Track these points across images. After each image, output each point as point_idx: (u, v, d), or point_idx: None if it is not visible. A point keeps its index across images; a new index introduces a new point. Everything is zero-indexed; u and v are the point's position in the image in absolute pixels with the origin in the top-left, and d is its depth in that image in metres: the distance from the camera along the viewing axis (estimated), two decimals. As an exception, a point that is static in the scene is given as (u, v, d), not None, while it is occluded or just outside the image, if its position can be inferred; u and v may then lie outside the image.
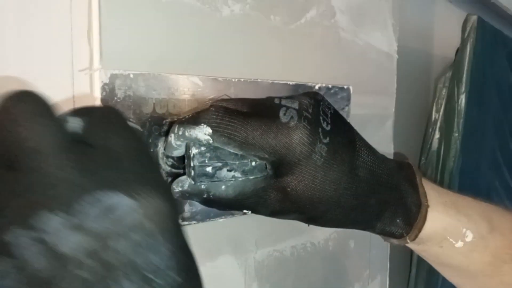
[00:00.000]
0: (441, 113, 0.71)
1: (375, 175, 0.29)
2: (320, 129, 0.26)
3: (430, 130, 0.72)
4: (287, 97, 0.28)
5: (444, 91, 0.72)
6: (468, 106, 0.70)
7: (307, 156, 0.26)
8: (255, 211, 0.29)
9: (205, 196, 0.27)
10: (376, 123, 0.56)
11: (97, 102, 0.27)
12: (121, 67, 0.28)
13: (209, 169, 0.27)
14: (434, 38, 0.81)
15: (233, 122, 0.25)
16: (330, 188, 0.27)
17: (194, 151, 0.26)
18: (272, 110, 0.27)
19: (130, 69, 0.29)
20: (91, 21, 0.27)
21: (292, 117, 0.26)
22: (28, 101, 0.17)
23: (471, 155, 0.73)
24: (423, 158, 0.74)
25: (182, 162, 0.28)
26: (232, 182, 0.27)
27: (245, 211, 0.29)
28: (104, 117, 0.19)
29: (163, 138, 0.29)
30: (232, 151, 0.27)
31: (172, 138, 0.27)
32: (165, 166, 0.29)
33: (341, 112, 0.32)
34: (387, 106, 0.57)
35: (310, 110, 0.27)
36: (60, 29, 0.27)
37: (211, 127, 0.25)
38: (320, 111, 0.27)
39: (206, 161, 0.27)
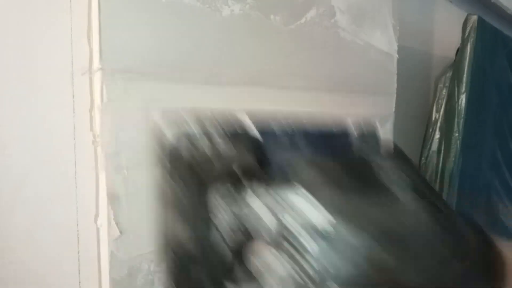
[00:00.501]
0: (441, 113, 0.71)
1: None
2: None
3: (430, 130, 0.72)
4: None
5: (444, 91, 0.72)
6: (468, 106, 0.70)
7: None
8: None
9: None
10: (376, 123, 0.56)
11: (96, 101, 0.27)
12: (121, 66, 0.28)
13: None
14: (434, 38, 0.81)
15: None
16: None
17: None
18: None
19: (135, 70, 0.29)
20: (91, 21, 0.27)
21: None
22: None
23: (471, 155, 0.73)
24: (423, 158, 0.74)
25: None
26: None
27: None
28: None
29: None
30: None
31: None
32: None
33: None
34: (387, 106, 0.57)
35: None
36: (60, 29, 0.27)
37: None
38: None
39: None
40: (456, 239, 0.23)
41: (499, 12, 0.98)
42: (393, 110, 0.58)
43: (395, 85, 0.59)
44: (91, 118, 0.28)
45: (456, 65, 0.71)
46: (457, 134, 0.69)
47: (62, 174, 0.28)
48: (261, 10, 0.38)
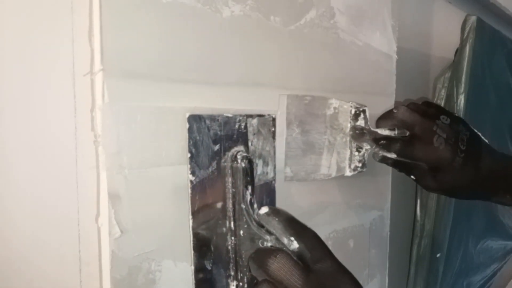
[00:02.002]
0: (440, 113, 0.72)
1: (493, 171, 0.48)
2: (458, 150, 0.45)
3: (429, 130, 0.72)
4: (441, 126, 0.45)
5: (443, 92, 0.72)
6: (467, 106, 0.70)
7: (449, 164, 0.45)
8: (416, 181, 0.50)
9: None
10: (375, 123, 0.57)
11: (98, 101, 0.27)
12: (123, 67, 0.28)
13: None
14: (433, 38, 0.81)
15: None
16: (462, 180, 0.46)
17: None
18: (429, 135, 0.45)
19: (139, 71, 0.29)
20: (92, 21, 0.28)
21: (441, 143, 0.45)
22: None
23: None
24: (422, 158, 0.74)
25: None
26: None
27: (412, 177, 0.49)
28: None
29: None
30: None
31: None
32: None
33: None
34: (386, 107, 0.57)
35: (453, 139, 0.45)
36: (62, 30, 0.27)
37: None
38: (459, 139, 0.46)
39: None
40: None
41: (498, 12, 0.98)
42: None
43: (394, 85, 0.59)
44: (92, 118, 0.28)
45: (455, 65, 0.71)
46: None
47: (63, 174, 0.28)
48: (261, 11, 0.38)
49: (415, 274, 0.75)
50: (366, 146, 0.47)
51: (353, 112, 0.47)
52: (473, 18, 0.70)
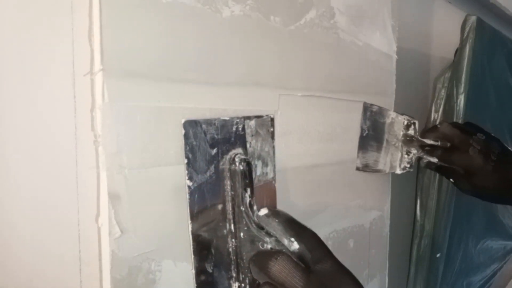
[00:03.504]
0: (440, 113, 0.72)
1: None
2: (489, 159, 0.54)
3: (429, 130, 0.72)
4: (476, 140, 0.55)
5: (443, 92, 0.72)
6: (467, 106, 0.70)
7: (481, 169, 0.55)
8: (454, 183, 0.60)
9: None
10: (375, 123, 0.57)
11: (98, 101, 0.27)
12: (122, 67, 0.28)
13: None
14: (433, 38, 0.81)
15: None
16: (492, 184, 0.55)
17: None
18: (466, 146, 0.55)
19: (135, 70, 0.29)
20: (92, 21, 0.28)
21: (475, 153, 0.54)
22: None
23: (470, 155, 0.73)
24: (422, 158, 0.74)
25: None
26: None
27: (451, 180, 0.60)
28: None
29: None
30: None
31: None
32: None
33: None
34: (386, 107, 0.57)
35: (486, 151, 0.55)
36: (61, 30, 0.27)
37: None
38: (491, 151, 0.55)
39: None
40: None
41: (498, 12, 0.98)
42: (392, 110, 0.59)
43: (394, 85, 0.59)
44: (92, 118, 0.28)
45: (455, 65, 0.71)
46: (456, 134, 0.69)
47: (63, 174, 0.28)
48: (261, 11, 0.38)
49: (415, 274, 0.75)
50: (414, 151, 0.58)
51: (405, 123, 0.59)
52: (473, 18, 0.70)
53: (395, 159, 0.59)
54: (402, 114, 0.59)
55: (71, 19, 0.27)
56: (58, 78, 0.27)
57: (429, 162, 0.58)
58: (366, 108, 0.54)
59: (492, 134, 0.61)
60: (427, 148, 0.57)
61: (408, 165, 0.59)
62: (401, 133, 0.59)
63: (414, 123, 0.58)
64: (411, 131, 0.58)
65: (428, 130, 0.59)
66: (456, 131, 0.57)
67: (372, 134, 0.55)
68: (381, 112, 0.57)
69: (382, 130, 0.57)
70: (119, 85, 0.28)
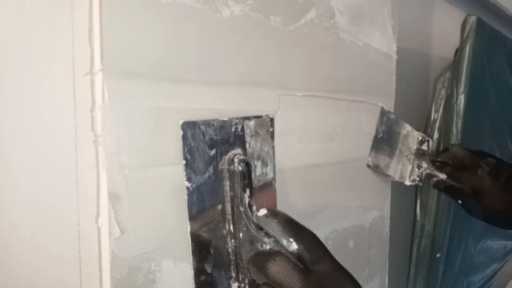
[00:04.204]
0: (440, 113, 0.72)
1: None
2: (498, 182, 0.55)
3: (429, 130, 0.72)
4: (486, 162, 0.57)
5: (443, 92, 0.72)
6: (467, 107, 0.70)
7: (489, 190, 0.55)
8: (462, 205, 0.59)
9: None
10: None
11: (98, 101, 0.27)
12: (122, 67, 0.28)
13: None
14: (433, 38, 0.81)
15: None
16: (500, 205, 0.55)
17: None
18: (475, 166, 0.57)
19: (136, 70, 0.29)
20: (92, 21, 0.28)
21: (483, 174, 0.56)
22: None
23: (470, 155, 0.73)
24: (422, 158, 0.74)
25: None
26: None
27: (459, 201, 0.59)
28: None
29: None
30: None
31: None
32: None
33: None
34: (386, 107, 0.57)
35: (495, 173, 0.56)
36: (62, 30, 0.27)
37: None
38: (500, 174, 0.56)
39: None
40: None
41: (498, 12, 0.98)
42: (392, 110, 0.59)
43: (394, 85, 0.59)
44: (92, 118, 0.28)
45: (455, 65, 0.71)
46: (455, 135, 0.69)
47: (63, 174, 0.28)
48: (261, 11, 0.38)
49: (415, 274, 0.75)
50: (424, 165, 0.61)
51: (419, 139, 0.62)
52: (473, 18, 0.70)
53: (406, 169, 0.62)
54: (418, 131, 0.62)
55: (71, 19, 0.27)
56: (58, 78, 0.27)
57: (438, 181, 0.60)
58: (384, 113, 0.57)
59: (504, 160, 0.62)
60: (437, 163, 0.60)
61: (418, 179, 0.62)
62: (415, 146, 0.62)
63: (428, 141, 0.62)
64: (424, 147, 0.62)
65: (440, 152, 0.63)
66: (467, 152, 0.59)
67: (386, 139, 0.58)
68: (397, 122, 0.59)
69: (396, 139, 0.60)
70: (119, 85, 0.28)
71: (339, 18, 0.47)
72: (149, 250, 0.30)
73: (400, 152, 0.60)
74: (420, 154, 0.61)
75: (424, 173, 0.61)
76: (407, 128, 0.61)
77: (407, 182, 0.61)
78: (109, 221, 0.28)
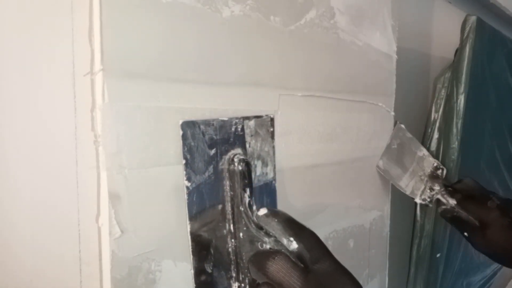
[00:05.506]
0: (440, 113, 0.72)
1: None
2: (507, 216, 0.54)
3: (429, 130, 0.72)
4: (497, 196, 0.57)
5: (443, 92, 0.72)
6: (467, 107, 0.70)
7: (497, 223, 0.54)
8: (467, 238, 0.58)
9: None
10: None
11: (98, 101, 0.27)
12: (123, 67, 0.28)
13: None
14: (433, 38, 0.81)
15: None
16: (506, 237, 0.54)
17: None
18: (485, 198, 0.57)
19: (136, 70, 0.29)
20: (92, 21, 0.28)
21: (493, 206, 0.55)
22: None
23: (470, 155, 0.73)
24: (422, 158, 0.74)
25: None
26: None
27: (465, 234, 0.58)
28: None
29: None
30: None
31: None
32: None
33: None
34: (386, 107, 0.57)
35: (505, 207, 0.55)
36: (62, 30, 0.27)
37: None
38: (509, 209, 0.55)
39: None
40: None
41: (498, 12, 0.98)
42: (392, 110, 0.59)
43: (394, 85, 0.59)
44: (93, 118, 0.28)
45: (455, 65, 0.71)
46: (455, 135, 0.69)
47: (64, 174, 0.28)
48: (261, 11, 0.38)
49: (415, 274, 0.75)
50: (437, 188, 0.62)
51: (435, 165, 0.65)
52: (473, 18, 0.70)
53: (418, 188, 0.63)
54: (434, 159, 0.65)
55: (71, 19, 0.27)
56: (58, 78, 0.27)
57: (446, 210, 0.61)
58: (399, 129, 0.59)
59: None
60: (449, 188, 0.61)
61: (428, 200, 0.63)
62: (429, 170, 0.64)
63: (442, 169, 0.65)
64: (438, 172, 0.64)
65: (453, 183, 0.64)
66: (479, 185, 0.61)
67: (401, 152, 0.60)
68: (414, 142, 0.62)
69: (412, 157, 0.62)
70: (119, 85, 0.28)
71: (339, 18, 0.47)
72: (149, 250, 0.30)
73: (413, 171, 0.62)
74: (434, 176, 0.63)
75: (435, 196, 0.62)
76: (423, 151, 0.64)
77: (418, 200, 0.63)
78: (109, 221, 0.28)
